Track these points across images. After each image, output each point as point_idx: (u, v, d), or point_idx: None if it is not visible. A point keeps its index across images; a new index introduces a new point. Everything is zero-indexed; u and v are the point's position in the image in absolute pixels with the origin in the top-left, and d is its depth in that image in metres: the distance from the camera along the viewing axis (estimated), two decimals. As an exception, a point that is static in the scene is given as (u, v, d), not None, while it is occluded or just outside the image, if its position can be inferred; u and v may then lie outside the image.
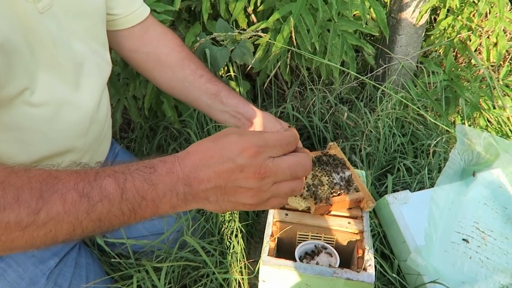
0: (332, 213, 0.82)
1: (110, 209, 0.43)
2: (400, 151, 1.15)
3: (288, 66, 1.22)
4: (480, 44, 1.39)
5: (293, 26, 1.06)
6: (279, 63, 1.20)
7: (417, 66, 1.41)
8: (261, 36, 1.11)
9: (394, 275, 0.82)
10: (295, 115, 1.26)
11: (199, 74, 0.89)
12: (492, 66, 1.40)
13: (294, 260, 0.74)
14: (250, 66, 1.16)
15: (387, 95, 1.22)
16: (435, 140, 1.08)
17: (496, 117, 1.26)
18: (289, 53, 1.18)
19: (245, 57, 1.14)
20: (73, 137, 0.72)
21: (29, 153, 0.67)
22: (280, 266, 0.72)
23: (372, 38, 1.45)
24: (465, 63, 1.49)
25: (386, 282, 0.84)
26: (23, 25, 0.57)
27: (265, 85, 1.25)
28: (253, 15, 1.22)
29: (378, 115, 1.17)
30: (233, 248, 0.90)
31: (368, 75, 1.34)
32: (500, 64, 1.43)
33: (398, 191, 0.95)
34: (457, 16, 1.37)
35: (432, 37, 1.45)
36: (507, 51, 1.41)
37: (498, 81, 1.29)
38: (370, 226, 0.83)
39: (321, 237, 0.81)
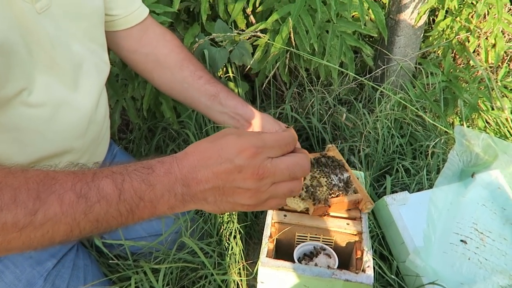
0: (330, 214, 0.82)
1: (108, 210, 0.43)
2: (399, 152, 1.15)
3: (287, 67, 1.22)
4: (479, 45, 1.39)
5: (292, 27, 1.06)
6: (277, 64, 1.20)
7: (415, 67, 1.41)
8: (260, 37, 1.11)
9: (392, 276, 0.82)
10: (293, 116, 1.26)
11: (198, 75, 0.89)
12: (490, 67, 1.40)
13: (293, 261, 0.74)
14: (248, 67, 1.16)
15: (385, 96, 1.22)
16: (434, 141, 1.08)
17: (494, 118, 1.26)
18: (288, 54, 1.18)
19: (244, 58, 1.14)
20: (71, 138, 0.72)
21: (27, 153, 0.67)
22: (278, 268, 0.72)
23: (371, 39, 1.45)
24: (463, 64, 1.50)
25: (385, 283, 0.84)
26: (21, 25, 0.57)
27: (264, 86, 1.25)
28: (252, 16, 1.22)
29: (377, 116, 1.17)
30: (231, 250, 0.90)
31: (366, 76, 1.34)
32: (499, 65, 1.43)
33: (396, 192, 0.95)
34: (456, 17, 1.37)
35: (430, 38, 1.45)
36: (505, 52, 1.42)
37: (497, 82, 1.29)
38: (369, 227, 0.83)
39: (319, 238, 0.81)
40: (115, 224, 0.45)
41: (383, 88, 1.21)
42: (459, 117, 1.28)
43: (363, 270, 0.71)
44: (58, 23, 0.65)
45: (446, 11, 1.39)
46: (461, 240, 0.85)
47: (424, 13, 1.30)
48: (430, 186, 0.99)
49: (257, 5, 1.15)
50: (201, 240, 0.90)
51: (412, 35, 1.36)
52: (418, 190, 1.00)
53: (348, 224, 0.80)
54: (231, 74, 1.25)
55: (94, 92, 0.75)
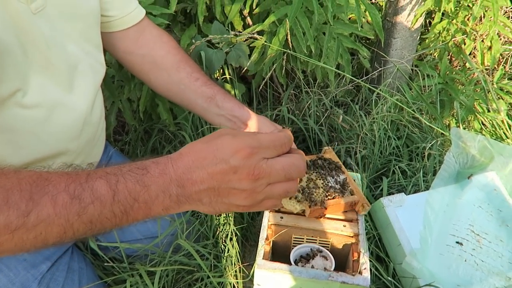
0: (327, 216, 0.82)
1: (102, 211, 0.43)
2: (395, 154, 1.15)
3: (284, 68, 1.22)
4: (475, 48, 1.40)
5: (288, 29, 1.06)
6: (274, 66, 1.20)
7: (412, 69, 1.42)
8: (256, 39, 1.11)
9: (389, 278, 0.82)
10: (290, 118, 1.26)
11: (195, 77, 0.88)
12: (486, 69, 1.41)
13: (289, 263, 0.74)
14: (245, 69, 1.16)
15: (382, 98, 1.22)
16: (430, 143, 1.09)
17: (490, 120, 1.26)
18: (285, 55, 1.18)
19: (241, 59, 1.14)
20: (66, 139, 0.72)
21: (21, 155, 0.66)
22: (275, 270, 0.71)
23: (368, 41, 1.46)
24: (459, 66, 1.50)
25: (382, 285, 0.84)
26: (16, 25, 0.57)
27: (261, 87, 1.25)
28: (248, 18, 1.22)
29: (373, 118, 1.17)
30: (227, 252, 0.89)
31: (363, 78, 1.34)
32: (495, 68, 1.43)
33: (393, 194, 0.95)
34: (452, 20, 1.38)
35: (427, 40, 1.46)
36: (501, 54, 1.42)
37: (493, 84, 1.29)
38: (365, 229, 0.83)
39: (316, 240, 0.81)
40: (109, 226, 0.44)
41: (380, 90, 1.21)
42: (455, 119, 1.29)
43: (360, 272, 0.71)
44: (54, 23, 0.64)
45: (443, 14, 1.39)
46: (458, 242, 0.85)
47: (421, 16, 1.31)
48: (427, 188, 0.99)
49: (254, 7, 1.15)
50: (197, 242, 0.90)
51: (409, 37, 1.37)
52: (415, 192, 1.00)
53: (344, 226, 0.80)
54: (227, 76, 1.25)
55: (90, 93, 0.74)
